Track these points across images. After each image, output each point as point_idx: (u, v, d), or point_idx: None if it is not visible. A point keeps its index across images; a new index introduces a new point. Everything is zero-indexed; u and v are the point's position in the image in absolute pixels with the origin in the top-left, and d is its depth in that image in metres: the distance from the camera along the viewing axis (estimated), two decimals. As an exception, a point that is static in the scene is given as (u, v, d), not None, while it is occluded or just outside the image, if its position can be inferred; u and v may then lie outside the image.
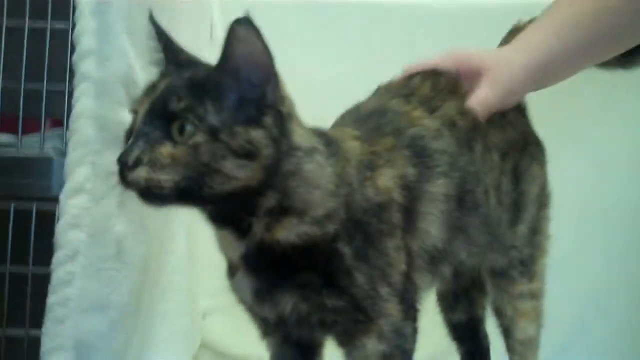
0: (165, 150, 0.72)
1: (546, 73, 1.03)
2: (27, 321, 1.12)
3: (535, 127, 1.12)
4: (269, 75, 0.75)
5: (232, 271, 0.86)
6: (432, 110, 0.96)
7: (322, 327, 0.85)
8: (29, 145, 1.18)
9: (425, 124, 0.94)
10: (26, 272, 1.13)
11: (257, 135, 0.74)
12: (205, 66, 0.79)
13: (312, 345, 0.93)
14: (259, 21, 0.72)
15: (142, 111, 0.75)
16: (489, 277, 1.08)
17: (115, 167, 0.92)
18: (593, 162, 1.51)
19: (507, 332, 1.09)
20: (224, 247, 0.85)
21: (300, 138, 0.79)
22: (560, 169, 1.44)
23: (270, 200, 0.77)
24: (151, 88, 0.77)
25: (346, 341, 0.85)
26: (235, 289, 0.87)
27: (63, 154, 1.11)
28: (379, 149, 0.87)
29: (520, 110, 1.09)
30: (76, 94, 0.95)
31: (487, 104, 1.00)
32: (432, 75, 1.01)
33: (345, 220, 0.81)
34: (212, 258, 1.45)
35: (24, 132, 1.21)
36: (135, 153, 0.72)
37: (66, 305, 0.92)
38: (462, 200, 0.93)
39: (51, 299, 0.92)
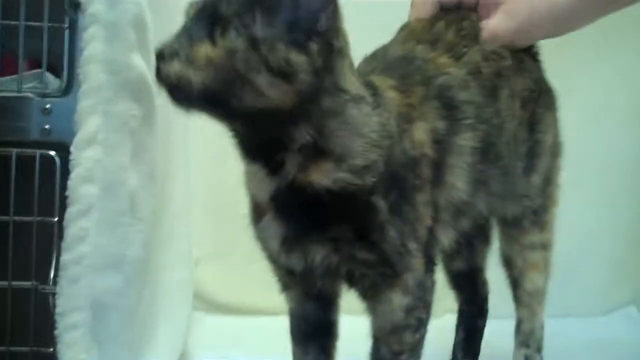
0: (203, 49, 0.71)
1: (566, 20, 1.01)
2: (10, 273, 1.05)
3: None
4: (328, 0, 0.72)
5: (257, 216, 0.84)
6: (457, 57, 0.94)
7: (349, 280, 0.85)
8: (7, 87, 1.11)
9: (452, 72, 0.92)
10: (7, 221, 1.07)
11: (298, 58, 0.71)
12: None
13: (331, 298, 0.93)
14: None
15: (192, 13, 0.74)
16: (501, 227, 1.09)
17: (127, 116, 0.89)
18: (588, 110, 1.53)
19: (515, 283, 1.11)
20: (253, 186, 0.83)
21: (349, 81, 0.77)
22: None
23: (304, 134, 0.75)
24: None
25: (371, 295, 0.85)
26: (261, 236, 0.85)
27: (42, 95, 1.06)
28: (413, 100, 0.86)
29: (533, 55, 1.08)
30: (86, 37, 0.88)
31: (495, 35, 0.99)
32: (456, 20, 0.99)
33: (384, 173, 0.79)
34: (200, 205, 1.44)
35: (1, 74, 1.14)
36: (174, 46, 0.72)
37: (80, 263, 0.87)
38: (486, 153, 0.92)
39: (65, 257, 0.87)
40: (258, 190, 0.82)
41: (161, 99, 0.92)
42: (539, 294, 1.11)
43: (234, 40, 0.70)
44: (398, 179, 0.81)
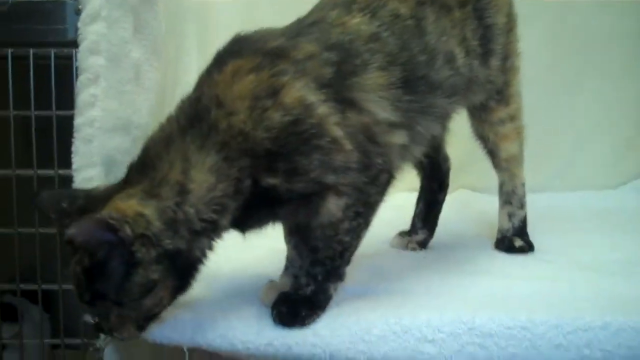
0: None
1: None
2: (55, 162, 1.12)
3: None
4: None
5: None
6: (373, 13, 0.96)
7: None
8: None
9: (361, 29, 0.94)
10: (50, 116, 1.13)
11: None
12: None
13: None
14: None
15: None
16: (469, 113, 1.15)
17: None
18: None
19: (492, 154, 1.18)
20: None
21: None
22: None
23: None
24: None
25: (313, 214, 0.91)
26: None
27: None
28: (283, 66, 0.88)
29: None
30: None
31: None
32: None
33: (257, 158, 0.85)
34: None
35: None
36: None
37: (92, 125, 0.99)
38: (413, 87, 0.96)
39: (78, 120, 0.99)
40: None
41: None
42: (515, 159, 1.17)
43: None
44: (277, 153, 0.85)
